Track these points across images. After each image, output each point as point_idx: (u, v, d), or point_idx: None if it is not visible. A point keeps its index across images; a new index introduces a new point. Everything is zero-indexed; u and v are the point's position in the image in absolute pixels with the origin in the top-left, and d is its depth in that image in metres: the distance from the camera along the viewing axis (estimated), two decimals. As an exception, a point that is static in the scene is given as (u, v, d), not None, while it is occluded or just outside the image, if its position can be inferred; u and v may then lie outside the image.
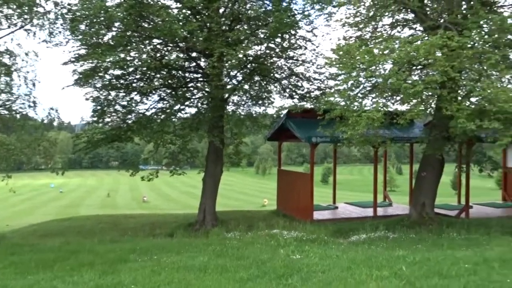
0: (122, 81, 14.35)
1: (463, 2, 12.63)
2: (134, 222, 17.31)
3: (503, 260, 6.88)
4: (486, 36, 10.96)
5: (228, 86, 14.30)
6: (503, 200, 18.79)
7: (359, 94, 11.64)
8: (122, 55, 12.74)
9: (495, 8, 12.73)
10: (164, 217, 19.00)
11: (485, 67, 10.41)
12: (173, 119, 15.28)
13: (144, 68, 13.58)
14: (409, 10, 12.65)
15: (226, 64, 13.50)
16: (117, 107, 14.56)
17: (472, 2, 12.12)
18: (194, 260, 7.31)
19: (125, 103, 14.62)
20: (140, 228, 15.16)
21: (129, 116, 14.72)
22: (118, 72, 13.82)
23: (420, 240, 9.76)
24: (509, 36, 10.91)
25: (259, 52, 14.62)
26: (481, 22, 10.90)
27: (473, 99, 10.88)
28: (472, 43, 10.55)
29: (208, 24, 13.29)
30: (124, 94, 14.57)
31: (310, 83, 15.74)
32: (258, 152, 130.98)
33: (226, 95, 14.52)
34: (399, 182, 79.97)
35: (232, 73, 14.64)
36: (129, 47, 13.10)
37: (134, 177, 15.00)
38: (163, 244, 9.49)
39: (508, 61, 11.01)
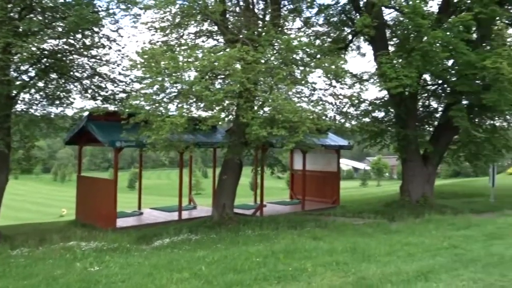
0: None
1: (259, 21, 14.07)
2: None
3: (287, 251, 7.87)
4: (276, 54, 12.45)
5: (17, 82, 12.56)
6: (291, 198, 21.53)
7: (164, 99, 11.71)
8: None
9: (285, 30, 14.60)
10: None
11: (275, 81, 11.76)
12: None
13: None
14: (213, 22, 13.39)
15: (15, 57, 11.84)
16: None
17: (265, 22, 13.62)
18: (-37, 288, 6.15)
19: None
20: None
21: None
22: None
23: (220, 239, 10.33)
24: (294, 56, 12.62)
25: (56, 48, 13.29)
26: (273, 41, 12.30)
27: (266, 109, 12.16)
28: (265, 58, 11.83)
29: (-10, 9, 11.45)
30: None
31: (115, 85, 15.01)
32: (56, 157, 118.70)
33: (15, 92, 12.71)
34: (205, 185, 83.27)
35: (22, 68, 12.92)
36: None
37: None
38: None
39: (294, 77, 12.72)
